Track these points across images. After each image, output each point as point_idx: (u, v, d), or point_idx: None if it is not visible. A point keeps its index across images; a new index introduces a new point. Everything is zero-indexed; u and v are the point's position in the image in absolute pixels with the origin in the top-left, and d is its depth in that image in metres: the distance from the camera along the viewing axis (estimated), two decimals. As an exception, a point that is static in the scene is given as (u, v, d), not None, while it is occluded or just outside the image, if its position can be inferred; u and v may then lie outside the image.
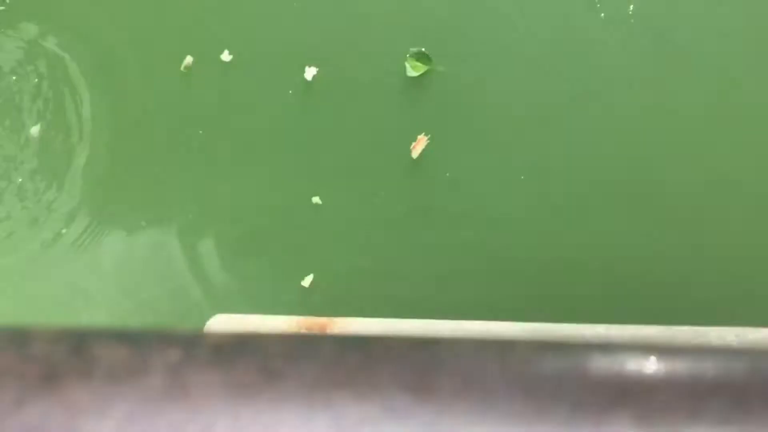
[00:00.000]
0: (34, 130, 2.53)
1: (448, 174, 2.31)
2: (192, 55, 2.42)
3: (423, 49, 2.35)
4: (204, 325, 2.08)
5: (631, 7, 2.27)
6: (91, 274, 2.46)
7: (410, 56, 2.37)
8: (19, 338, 0.59)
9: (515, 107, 2.33)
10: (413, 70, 2.35)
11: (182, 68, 2.42)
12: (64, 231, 2.52)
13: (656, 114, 2.26)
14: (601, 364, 0.51)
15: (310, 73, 2.39)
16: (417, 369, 0.52)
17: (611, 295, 2.22)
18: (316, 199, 2.36)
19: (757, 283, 2.17)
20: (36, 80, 2.59)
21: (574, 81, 2.30)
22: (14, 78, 2.59)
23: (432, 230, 2.33)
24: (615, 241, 2.25)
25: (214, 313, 2.12)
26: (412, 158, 2.31)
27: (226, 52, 2.42)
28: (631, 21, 2.27)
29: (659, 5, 2.28)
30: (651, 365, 0.49)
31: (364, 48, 2.40)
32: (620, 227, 2.25)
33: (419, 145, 2.31)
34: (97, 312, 2.47)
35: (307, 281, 2.35)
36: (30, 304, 2.49)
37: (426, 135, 2.32)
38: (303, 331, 2.01)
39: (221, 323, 2.06)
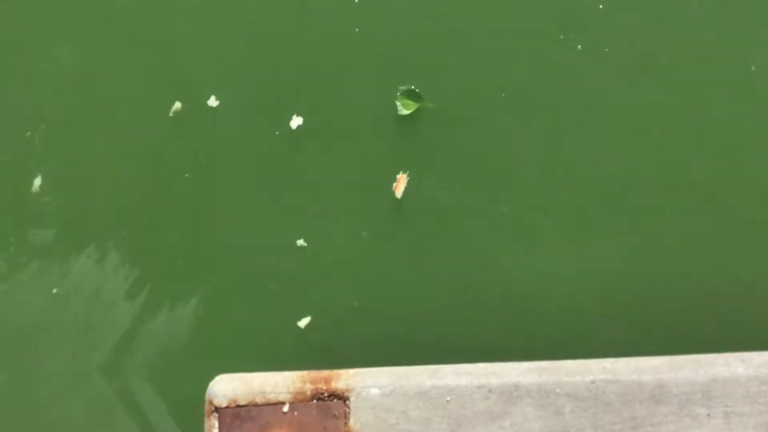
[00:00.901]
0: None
1: (434, 210, 2.34)
2: (180, 101, 2.46)
3: (413, 87, 2.37)
4: (207, 385, 2.07)
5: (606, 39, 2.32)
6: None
7: (401, 95, 2.36)
8: None
9: (499, 142, 2.34)
10: (404, 108, 2.36)
11: (171, 113, 2.46)
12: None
13: (640, 138, 2.28)
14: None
15: (295, 122, 2.41)
16: None
17: (615, 328, 2.22)
18: (300, 242, 2.38)
19: (761, 307, 2.17)
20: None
21: (556, 112, 2.32)
22: None
23: (420, 268, 2.34)
24: (611, 273, 2.25)
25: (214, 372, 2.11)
26: (396, 198, 2.33)
27: (213, 97, 2.45)
28: (605, 50, 2.31)
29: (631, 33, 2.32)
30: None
31: (350, 89, 2.41)
32: (615, 256, 2.26)
33: (400, 183, 2.33)
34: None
35: (303, 323, 2.36)
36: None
37: (405, 173, 2.34)
38: (308, 385, 1.99)
39: (224, 383, 2.04)
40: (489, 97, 2.35)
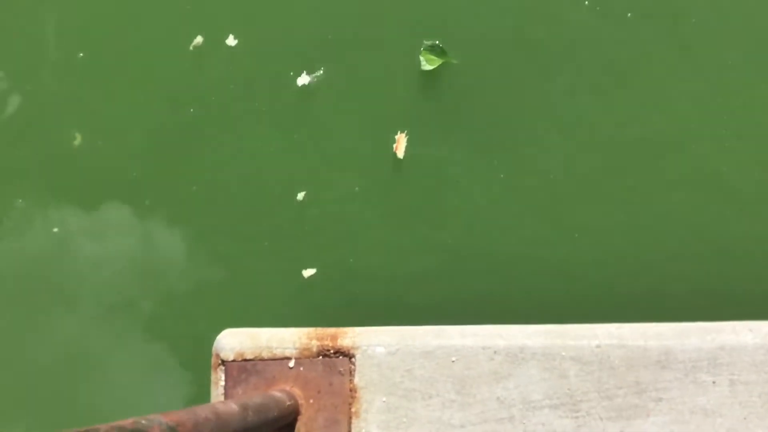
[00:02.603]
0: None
1: (437, 170, 2.33)
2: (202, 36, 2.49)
3: (437, 42, 2.32)
4: (214, 339, 2.09)
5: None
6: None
7: (424, 49, 2.33)
8: None
9: (512, 103, 2.32)
10: (428, 63, 2.33)
11: (191, 47, 2.47)
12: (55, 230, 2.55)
13: (655, 108, 2.25)
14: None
15: (302, 80, 2.39)
16: None
17: (621, 294, 2.21)
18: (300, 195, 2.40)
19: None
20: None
21: (573, 74, 2.29)
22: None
23: (420, 228, 2.34)
24: (617, 239, 2.24)
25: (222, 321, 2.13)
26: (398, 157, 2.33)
27: (231, 36, 2.45)
28: (627, 15, 2.26)
29: None
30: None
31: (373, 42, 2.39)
32: (622, 225, 2.24)
33: (400, 143, 2.31)
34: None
35: (307, 273, 2.37)
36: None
37: (404, 133, 2.32)
38: (314, 342, 2.00)
39: (231, 336, 2.05)
40: (509, 54, 2.31)
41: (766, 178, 2.19)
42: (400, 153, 2.32)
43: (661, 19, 2.25)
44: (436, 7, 2.36)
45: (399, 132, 2.32)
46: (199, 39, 2.47)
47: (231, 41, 2.47)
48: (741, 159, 2.20)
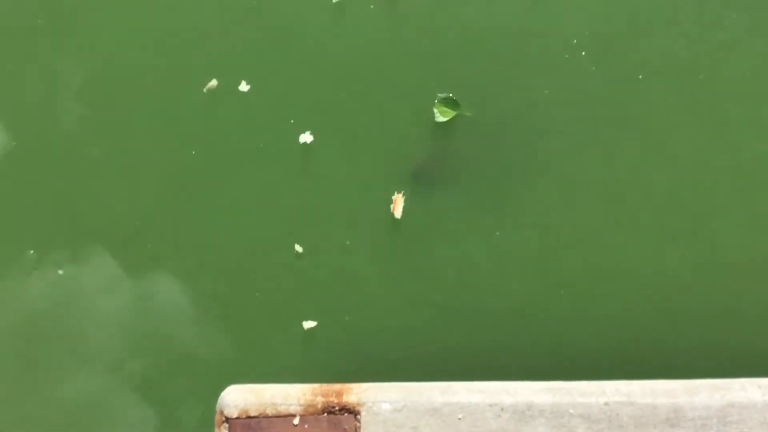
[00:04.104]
0: None
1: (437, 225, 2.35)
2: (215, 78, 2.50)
3: (451, 95, 2.36)
4: (215, 394, 2.07)
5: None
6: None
7: (438, 102, 2.37)
8: None
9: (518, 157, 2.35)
10: (442, 115, 2.36)
11: (205, 90, 2.48)
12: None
13: (657, 164, 2.27)
14: None
15: (305, 138, 2.42)
16: None
17: (630, 350, 2.20)
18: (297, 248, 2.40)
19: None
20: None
21: (584, 131, 2.32)
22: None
23: (418, 284, 2.34)
24: (622, 294, 2.24)
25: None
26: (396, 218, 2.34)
27: (244, 83, 2.48)
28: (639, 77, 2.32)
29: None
30: None
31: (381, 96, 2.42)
32: (626, 279, 2.24)
33: (397, 204, 2.34)
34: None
35: (307, 325, 2.36)
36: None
37: (401, 193, 2.35)
38: (319, 398, 1.98)
39: (235, 393, 2.03)
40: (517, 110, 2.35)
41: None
42: (398, 213, 2.35)
43: (666, 77, 2.30)
44: (438, 64, 2.41)
45: (396, 192, 2.35)
46: (213, 82, 2.50)
47: (244, 87, 2.49)
48: (746, 217, 2.22)
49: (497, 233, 2.31)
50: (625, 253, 2.26)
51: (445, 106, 2.35)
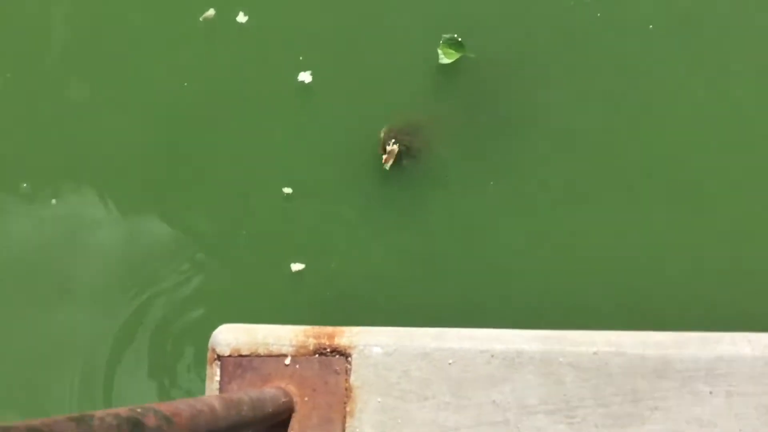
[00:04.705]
0: None
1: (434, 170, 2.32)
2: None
3: (456, 36, 2.32)
4: (206, 334, 2.08)
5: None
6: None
7: (443, 43, 2.32)
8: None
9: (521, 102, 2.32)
10: (446, 57, 2.32)
11: (201, 18, 2.41)
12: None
13: (660, 117, 2.25)
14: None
15: (304, 77, 2.38)
16: None
17: (622, 302, 2.21)
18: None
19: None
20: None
21: (586, 78, 2.29)
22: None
23: (409, 233, 2.33)
24: (623, 244, 2.23)
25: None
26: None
27: (241, 13, 2.42)
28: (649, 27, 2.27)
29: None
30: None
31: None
32: (629, 229, 2.24)
33: (390, 157, 2.31)
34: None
35: (295, 267, 2.36)
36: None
37: (396, 144, 2.32)
38: (311, 340, 1.99)
39: (228, 332, 2.04)
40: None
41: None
42: (388, 165, 2.32)
43: (673, 29, 2.25)
44: (443, 5, 2.36)
45: (390, 143, 2.31)
46: (211, 12, 2.43)
47: (241, 18, 2.43)
48: (744, 170, 2.20)
49: (491, 183, 2.29)
50: (619, 209, 2.25)
51: (450, 47, 2.30)
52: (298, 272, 2.36)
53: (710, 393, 1.78)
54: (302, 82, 2.39)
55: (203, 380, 2.04)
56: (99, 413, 1.02)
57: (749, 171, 2.21)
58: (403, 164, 2.31)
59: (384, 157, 2.31)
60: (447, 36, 2.31)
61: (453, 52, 2.31)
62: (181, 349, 2.46)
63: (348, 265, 2.35)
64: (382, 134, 2.32)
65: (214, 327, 2.06)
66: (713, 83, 2.24)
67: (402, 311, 2.32)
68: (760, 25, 2.24)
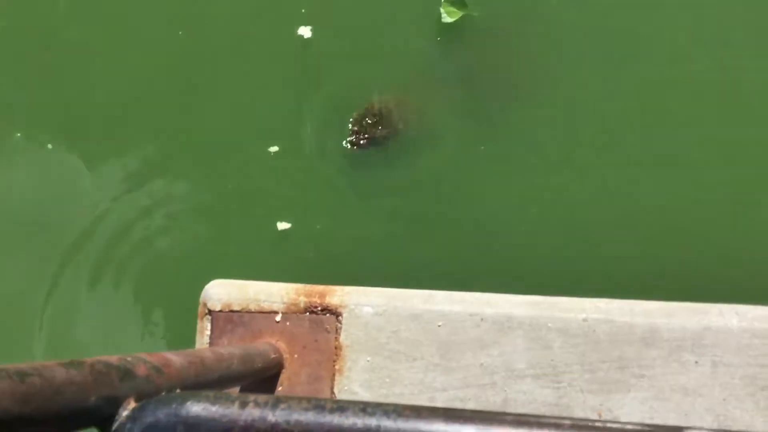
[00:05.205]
0: None
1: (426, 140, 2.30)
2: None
3: None
4: (202, 288, 2.08)
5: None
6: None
7: (445, 1, 2.29)
8: None
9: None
10: (448, 15, 2.28)
11: None
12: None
13: (658, 84, 2.23)
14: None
15: (304, 32, 2.33)
16: None
17: (613, 269, 2.22)
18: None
19: (761, 262, 2.16)
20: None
21: (593, 42, 2.27)
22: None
23: (399, 196, 2.32)
24: (616, 210, 2.24)
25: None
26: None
27: None
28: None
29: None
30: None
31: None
32: (621, 193, 2.24)
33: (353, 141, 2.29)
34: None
35: (281, 226, 2.35)
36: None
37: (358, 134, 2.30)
38: (302, 298, 2.00)
39: (219, 287, 2.05)
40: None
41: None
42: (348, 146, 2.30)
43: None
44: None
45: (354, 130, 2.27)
46: None
47: None
48: (737, 141, 2.20)
49: (482, 147, 2.28)
50: (609, 177, 2.25)
51: (453, 5, 2.27)
52: (284, 231, 2.35)
53: (696, 363, 1.79)
54: (301, 36, 2.36)
55: (190, 336, 2.05)
56: (89, 360, 1.02)
57: (742, 142, 2.20)
58: (367, 150, 2.29)
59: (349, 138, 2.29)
60: None
61: (455, 10, 2.27)
62: (169, 304, 2.47)
63: (334, 226, 2.35)
64: (355, 115, 2.30)
65: (199, 282, 2.06)
66: (714, 55, 2.22)
67: (386, 274, 2.33)
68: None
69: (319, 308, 1.99)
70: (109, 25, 2.47)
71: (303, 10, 2.37)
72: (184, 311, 2.32)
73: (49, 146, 2.50)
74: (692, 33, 2.23)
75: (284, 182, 2.37)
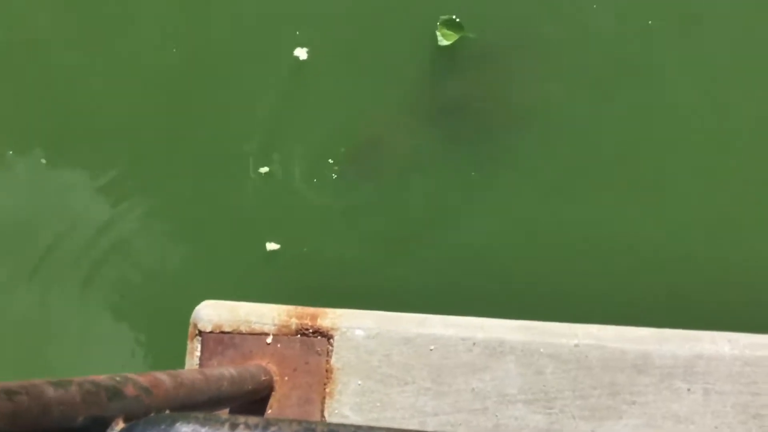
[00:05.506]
0: None
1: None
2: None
3: (454, 17, 2.29)
4: (192, 310, 2.07)
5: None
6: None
7: (441, 24, 2.29)
8: None
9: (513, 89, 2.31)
10: (444, 38, 2.29)
11: None
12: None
13: (654, 110, 2.25)
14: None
15: (300, 53, 2.34)
16: None
17: (606, 295, 2.22)
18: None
19: (752, 289, 2.17)
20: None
21: (587, 68, 2.29)
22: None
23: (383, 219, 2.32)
24: (608, 235, 2.24)
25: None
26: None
27: None
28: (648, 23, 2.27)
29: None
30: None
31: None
32: (612, 218, 2.25)
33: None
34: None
35: (270, 247, 2.34)
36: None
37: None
38: (294, 320, 1.99)
39: (210, 308, 2.04)
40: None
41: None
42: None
43: (672, 27, 2.25)
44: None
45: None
46: None
47: None
48: (726, 168, 2.21)
49: (472, 173, 2.29)
50: (600, 205, 2.25)
51: (448, 28, 2.28)
52: (273, 252, 2.34)
53: (688, 390, 1.79)
54: (297, 57, 2.37)
55: (180, 358, 2.03)
56: (77, 379, 1.01)
57: (731, 169, 2.22)
58: (359, 172, 2.29)
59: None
60: (444, 17, 2.29)
61: (452, 33, 2.28)
62: (157, 324, 2.45)
63: (323, 248, 2.35)
64: (348, 137, 2.31)
65: (189, 302, 2.05)
66: (703, 88, 2.25)
67: (380, 295, 2.32)
68: (757, 36, 2.25)
69: (311, 330, 1.98)
70: (102, 42, 2.48)
71: (297, 32, 2.38)
72: (174, 332, 2.30)
73: (43, 161, 2.50)
74: (681, 64, 2.26)
75: (273, 203, 2.37)
